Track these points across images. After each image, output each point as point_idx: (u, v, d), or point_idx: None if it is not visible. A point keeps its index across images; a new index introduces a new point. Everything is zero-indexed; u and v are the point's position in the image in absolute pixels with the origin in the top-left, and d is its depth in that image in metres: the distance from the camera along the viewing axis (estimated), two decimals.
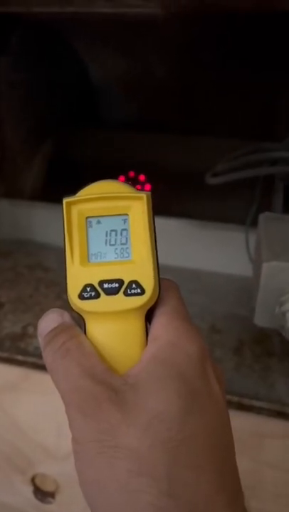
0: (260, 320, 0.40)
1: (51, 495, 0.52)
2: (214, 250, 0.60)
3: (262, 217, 0.44)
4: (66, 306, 0.25)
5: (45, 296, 0.57)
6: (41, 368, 0.47)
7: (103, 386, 0.22)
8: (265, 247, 0.39)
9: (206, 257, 0.61)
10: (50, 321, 0.25)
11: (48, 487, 0.52)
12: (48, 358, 0.24)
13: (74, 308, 0.24)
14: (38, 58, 0.73)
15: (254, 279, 0.43)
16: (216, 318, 0.53)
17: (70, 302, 0.24)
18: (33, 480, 0.52)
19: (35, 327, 0.54)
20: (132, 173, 0.73)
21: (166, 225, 0.61)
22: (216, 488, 0.21)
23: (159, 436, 0.21)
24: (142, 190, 0.25)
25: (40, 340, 0.25)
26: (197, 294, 0.57)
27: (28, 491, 0.53)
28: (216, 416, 0.23)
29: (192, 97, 0.75)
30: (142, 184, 0.72)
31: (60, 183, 0.76)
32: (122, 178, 0.75)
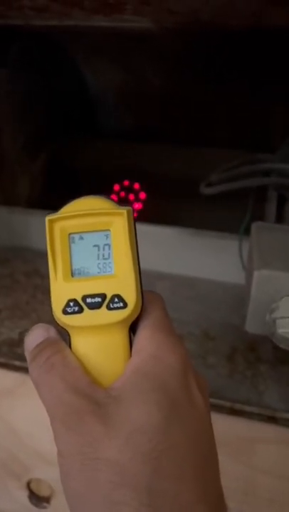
0: (252, 327, 0.41)
1: (46, 500, 0.53)
2: (208, 258, 0.61)
3: (254, 226, 0.45)
4: (51, 310, 0.26)
5: (42, 302, 0.58)
6: None
7: (86, 400, 0.22)
8: (257, 255, 0.40)
9: (200, 265, 0.62)
10: (35, 336, 0.26)
11: (43, 492, 0.53)
12: (33, 373, 0.25)
13: (58, 322, 0.25)
14: (36, 69, 0.74)
15: (246, 287, 0.44)
16: (209, 325, 0.54)
17: (55, 317, 0.25)
18: (28, 485, 0.53)
19: None
20: (126, 182, 0.74)
21: (162, 233, 0.62)
22: (198, 498, 0.21)
23: (140, 447, 0.21)
24: (125, 204, 0.26)
25: (27, 355, 0.26)
26: (191, 302, 0.58)
27: (23, 496, 0.53)
28: (197, 426, 0.23)
29: (187, 108, 0.76)
30: (137, 192, 0.73)
31: (57, 191, 0.78)
32: (116, 186, 0.76)
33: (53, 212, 0.25)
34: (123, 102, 0.81)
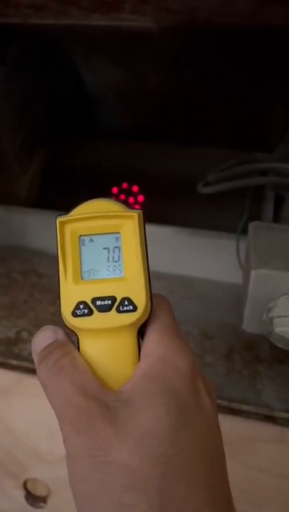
0: (249, 326, 0.41)
1: (43, 500, 0.53)
2: (206, 258, 0.61)
3: (251, 225, 0.45)
4: (60, 312, 0.26)
5: (39, 301, 0.58)
6: (35, 372, 0.48)
7: (96, 402, 0.22)
8: (254, 254, 0.40)
9: (198, 264, 0.62)
10: (43, 338, 0.26)
11: (40, 492, 0.53)
12: (41, 375, 0.24)
13: (67, 325, 0.25)
14: (35, 68, 0.74)
15: (243, 287, 0.44)
16: (207, 324, 0.54)
17: (64, 319, 0.25)
18: (24, 485, 0.53)
19: (30, 332, 0.55)
20: (125, 185, 0.74)
21: (159, 232, 0.62)
22: (206, 502, 0.21)
23: (150, 451, 0.21)
24: (134, 206, 0.26)
25: (35, 357, 0.26)
26: (189, 301, 0.58)
27: (20, 495, 0.53)
28: (206, 430, 0.23)
29: (184, 107, 0.77)
30: (135, 195, 0.73)
31: (55, 190, 0.77)
32: (115, 189, 0.76)
33: (63, 214, 0.25)
34: (121, 101, 0.81)
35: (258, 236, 0.43)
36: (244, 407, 0.43)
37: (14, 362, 0.49)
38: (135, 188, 0.74)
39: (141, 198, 0.73)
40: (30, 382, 0.48)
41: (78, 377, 0.23)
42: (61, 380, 0.23)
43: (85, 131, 0.85)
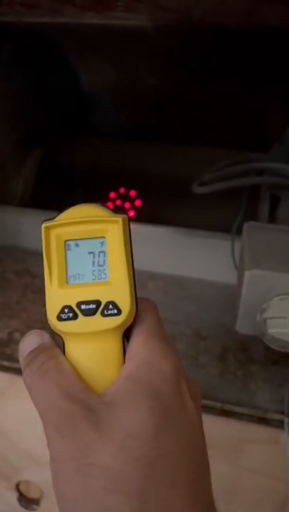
0: (242, 327, 0.41)
1: (35, 502, 0.52)
2: (201, 258, 0.61)
3: (246, 225, 0.45)
4: (46, 316, 0.26)
5: (32, 302, 0.57)
6: None
7: (80, 405, 0.23)
8: (248, 255, 0.40)
9: (192, 264, 0.61)
10: (29, 341, 0.26)
11: (33, 494, 0.52)
12: (27, 378, 0.25)
13: (53, 329, 0.25)
14: (29, 67, 0.74)
15: (237, 287, 0.44)
16: (201, 325, 0.54)
17: (49, 323, 0.25)
18: (17, 487, 0.52)
19: (22, 333, 0.55)
20: (122, 190, 0.73)
21: (154, 232, 0.61)
22: (190, 504, 0.21)
23: (133, 453, 0.21)
24: (120, 211, 0.26)
25: (21, 360, 0.26)
26: (183, 301, 0.58)
27: (13, 497, 0.53)
28: (190, 433, 0.23)
29: (181, 107, 0.76)
30: (132, 200, 0.73)
31: (50, 190, 0.77)
32: (112, 194, 0.76)
33: (49, 219, 0.25)
34: (116, 100, 0.81)
35: (252, 236, 0.43)
36: (237, 409, 0.43)
37: (6, 363, 0.49)
38: (132, 193, 0.73)
39: (138, 202, 0.73)
40: (23, 384, 0.48)
41: (63, 380, 0.23)
42: (46, 383, 0.23)
43: (80, 131, 0.85)
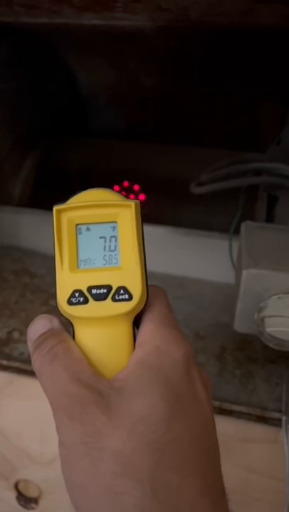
0: (240, 326, 0.41)
1: (34, 501, 0.52)
2: (199, 258, 0.61)
3: (243, 225, 0.45)
4: (52, 312, 0.26)
5: (31, 302, 0.58)
6: (26, 373, 0.48)
7: (90, 390, 0.22)
8: (246, 254, 0.40)
9: (190, 264, 0.61)
10: (39, 326, 0.26)
11: (31, 493, 0.52)
12: (36, 362, 0.24)
13: (63, 313, 0.25)
14: (27, 67, 0.74)
15: (235, 286, 0.44)
16: (200, 324, 0.54)
17: (59, 307, 0.25)
18: (16, 486, 0.52)
19: (21, 332, 0.55)
20: (126, 183, 0.74)
21: (152, 232, 0.61)
22: (200, 491, 0.21)
23: (144, 438, 0.21)
24: (132, 198, 0.26)
25: (30, 345, 0.26)
26: (182, 301, 0.58)
27: (11, 496, 0.53)
28: (200, 419, 0.23)
29: (179, 107, 0.76)
30: (136, 194, 0.73)
31: (48, 190, 0.77)
32: (116, 187, 0.76)
33: (61, 203, 0.25)
34: (114, 101, 0.81)
35: (249, 236, 0.43)
36: (236, 408, 0.43)
37: (5, 362, 0.49)
38: (136, 187, 0.73)
39: (142, 196, 0.73)
40: (21, 383, 0.48)
41: (72, 365, 0.23)
42: (55, 367, 0.23)
43: (78, 132, 0.85)
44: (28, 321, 0.55)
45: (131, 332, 0.25)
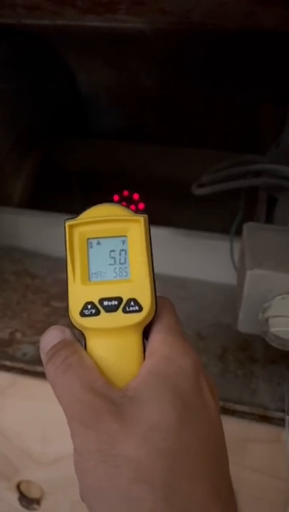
0: (244, 327, 0.41)
1: (36, 501, 0.52)
2: (200, 259, 0.61)
3: (245, 226, 0.46)
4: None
5: (33, 302, 0.58)
6: (28, 373, 0.48)
7: (103, 399, 0.23)
8: (249, 255, 0.40)
9: (191, 265, 0.62)
10: (51, 337, 0.26)
11: (33, 494, 0.52)
12: (50, 373, 0.25)
13: (75, 324, 0.26)
14: (28, 68, 0.74)
15: (238, 287, 0.44)
16: (201, 325, 0.54)
17: (71, 319, 0.26)
18: (18, 487, 0.52)
19: (23, 333, 0.55)
20: (126, 192, 0.74)
21: (153, 233, 0.61)
22: (210, 495, 0.22)
23: (156, 446, 0.22)
24: (139, 211, 0.27)
25: (43, 356, 0.26)
26: (183, 302, 0.58)
27: (13, 497, 0.52)
28: (208, 426, 0.24)
29: (180, 109, 0.77)
30: (136, 203, 0.73)
31: (48, 191, 0.77)
32: (116, 196, 0.76)
33: (71, 218, 0.26)
34: (115, 103, 0.81)
35: (252, 237, 0.44)
36: (238, 407, 0.43)
37: (8, 363, 0.49)
38: (136, 196, 0.73)
39: (141, 205, 0.73)
40: (24, 384, 0.48)
41: (86, 374, 0.24)
42: (69, 377, 0.24)
43: (78, 132, 0.85)
44: (30, 322, 0.55)
45: (141, 342, 0.26)
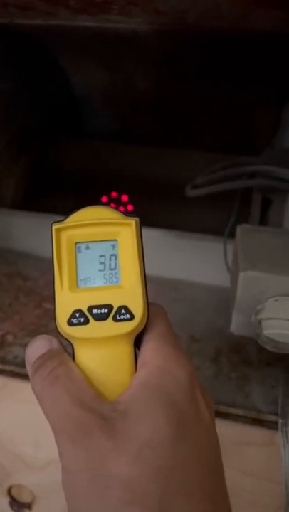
0: (237, 329, 0.41)
1: (28, 506, 0.52)
2: (193, 260, 0.61)
3: (239, 228, 0.45)
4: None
5: (25, 304, 0.57)
6: (20, 376, 0.47)
7: (92, 413, 0.22)
8: (242, 257, 0.40)
9: (185, 267, 0.62)
10: (38, 347, 0.25)
11: (25, 498, 0.52)
12: (36, 385, 0.24)
13: (62, 334, 0.24)
14: (21, 68, 0.73)
15: (231, 289, 0.44)
16: (194, 327, 0.54)
17: (59, 328, 0.24)
18: (9, 491, 0.52)
19: (14, 336, 0.54)
20: (114, 194, 0.73)
21: (147, 235, 0.60)
22: None
23: (151, 464, 0.21)
24: (129, 214, 0.25)
25: (28, 367, 0.25)
26: (176, 304, 0.58)
27: (4, 502, 0.52)
28: (206, 442, 0.23)
29: (174, 110, 0.77)
30: (125, 204, 0.73)
31: (42, 192, 0.77)
32: (104, 198, 0.76)
33: (59, 221, 0.25)
34: (108, 104, 0.81)
35: (245, 239, 0.43)
36: (232, 410, 0.43)
37: None
38: (124, 198, 0.73)
39: (130, 207, 0.72)
40: (15, 387, 0.47)
41: (74, 387, 0.23)
42: (56, 390, 0.23)
43: (72, 133, 0.85)
44: (22, 324, 0.54)
45: (132, 352, 0.24)
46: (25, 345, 0.50)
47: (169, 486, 0.20)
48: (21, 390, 0.47)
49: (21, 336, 0.52)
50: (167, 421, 0.22)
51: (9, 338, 0.52)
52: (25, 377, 0.47)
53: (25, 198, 0.78)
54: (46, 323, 0.53)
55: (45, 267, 0.64)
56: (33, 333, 0.52)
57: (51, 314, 0.60)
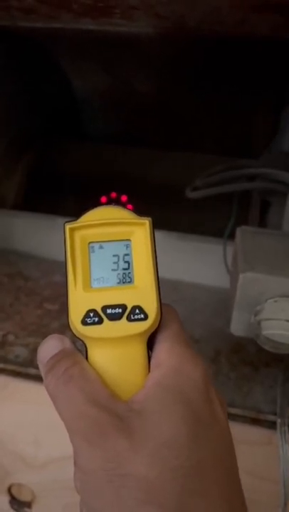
0: (236, 329, 0.42)
1: (28, 505, 0.52)
2: (193, 262, 0.62)
3: (239, 230, 0.46)
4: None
5: (26, 305, 0.57)
6: (21, 376, 0.48)
7: (108, 413, 0.22)
8: (242, 258, 0.41)
9: (185, 268, 0.62)
10: (50, 347, 0.25)
11: (24, 497, 0.52)
12: (50, 384, 0.24)
13: (76, 333, 0.24)
14: (22, 71, 0.74)
15: (231, 290, 0.44)
16: (194, 328, 0.54)
17: (72, 328, 0.24)
18: (9, 490, 0.52)
19: (16, 335, 0.55)
20: (114, 194, 0.74)
21: None
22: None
23: (168, 463, 0.20)
24: (145, 215, 0.25)
25: (41, 367, 0.25)
26: (176, 305, 0.57)
27: (4, 501, 0.52)
28: (221, 440, 0.23)
29: (174, 113, 0.77)
30: (124, 205, 0.73)
31: (42, 193, 0.77)
32: (103, 198, 0.76)
33: (71, 220, 0.25)
34: (109, 107, 0.82)
35: (245, 240, 0.44)
36: (231, 410, 0.43)
37: (1, 365, 0.48)
38: (124, 198, 0.74)
39: (130, 207, 0.73)
40: (16, 386, 0.48)
41: (88, 387, 0.23)
42: (71, 389, 0.23)
43: (73, 136, 0.85)
44: (23, 324, 0.55)
45: (146, 352, 0.24)
46: (26, 345, 0.51)
47: (186, 485, 0.20)
48: (22, 390, 0.47)
49: (22, 335, 0.52)
50: (183, 421, 0.22)
51: (10, 337, 0.52)
52: (26, 376, 0.48)
53: (26, 200, 0.78)
54: (47, 323, 0.53)
55: (46, 268, 0.64)
56: (34, 333, 0.52)
57: (52, 314, 0.60)
